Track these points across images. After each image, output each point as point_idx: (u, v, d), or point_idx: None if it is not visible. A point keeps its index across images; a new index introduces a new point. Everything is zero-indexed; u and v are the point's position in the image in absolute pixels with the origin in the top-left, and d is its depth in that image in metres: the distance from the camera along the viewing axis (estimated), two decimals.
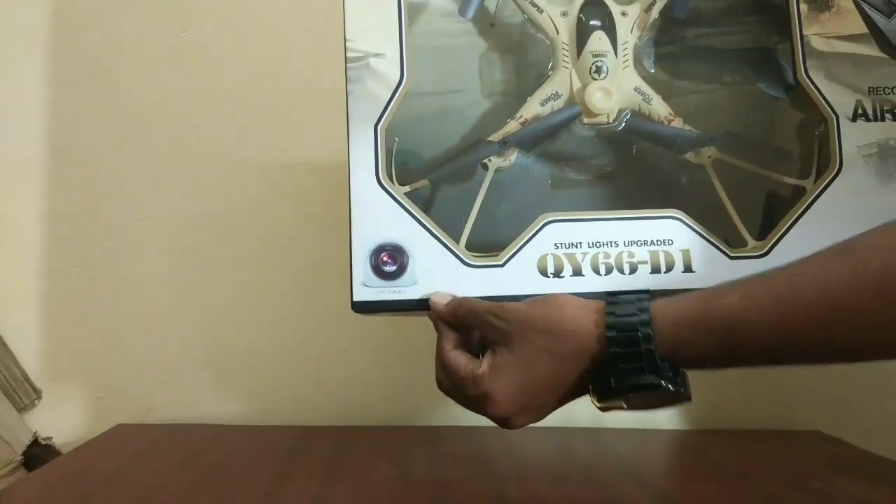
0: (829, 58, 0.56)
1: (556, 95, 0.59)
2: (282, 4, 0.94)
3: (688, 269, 0.54)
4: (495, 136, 0.59)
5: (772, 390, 0.91)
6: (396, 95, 0.56)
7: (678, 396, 0.45)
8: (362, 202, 0.55)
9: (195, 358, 0.93)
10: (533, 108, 0.59)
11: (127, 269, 0.93)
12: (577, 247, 0.55)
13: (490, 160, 0.59)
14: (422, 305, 0.55)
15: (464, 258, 0.55)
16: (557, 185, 0.62)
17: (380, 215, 0.55)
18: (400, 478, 0.70)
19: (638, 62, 0.60)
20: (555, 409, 0.49)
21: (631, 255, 0.55)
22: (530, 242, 0.55)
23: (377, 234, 0.55)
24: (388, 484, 0.68)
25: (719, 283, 0.44)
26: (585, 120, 0.59)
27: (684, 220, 0.55)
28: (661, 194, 0.60)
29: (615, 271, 0.54)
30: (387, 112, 0.56)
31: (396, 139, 0.57)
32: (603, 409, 0.47)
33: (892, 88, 0.56)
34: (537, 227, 0.55)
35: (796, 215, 0.55)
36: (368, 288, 0.55)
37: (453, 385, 0.51)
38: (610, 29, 0.59)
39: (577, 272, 0.54)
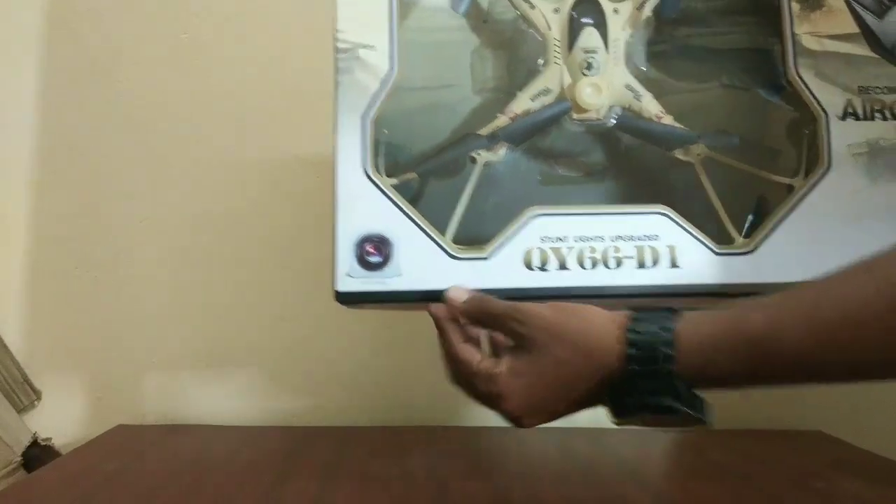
0: (820, 56, 0.56)
1: (547, 91, 0.59)
2: (282, 4, 0.95)
3: (673, 264, 0.54)
4: (484, 131, 0.59)
5: (773, 391, 0.90)
6: (385, 87, 0.56)
7: (695, 420, 0.44)
8: (348, 192, 0.55)
9: (195, 358, 0.93)
10: (523, 103, 0.59)
11: (127, 269, 0.93)
12: (563, 241, 0.55)
13: (479, 154, 0.59)
14: (407, 297, 0.54)
15: (449, 250, 0.55)
16: (547, 181, 0.62)
17: (365, 206, 0.55)
18: (400, 478, 0.70)
19: (629, 59, 0.60)
20: (568, 415, 0.48)
21: (617, 249, 0.54)
22: (517, 236, 0.55)
23: (362, 224, 0.55)
24: (388, 484, 0.68)
25: (743, 301, 0.44)
26: (575, 116, 0.59)
27: (671, 216, 0.55)
28: (649, 191, 0.59)
29: (601, 265, 0.54)
30: (375, 103, 0.56)
31: (385, 131, 0.57)
32: (618, 424, 0.46)
33: (883, 88, 0.56)
34: (524, 221, 0.55)
35: (783, 213, 0.54)
36: (353, 279, 0.54)
37: (464, 378, 0.50)
38: (601, 25, 0.59)
39: (562, 266, 0.54)
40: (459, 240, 0.56)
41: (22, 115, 0.94)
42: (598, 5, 0.59)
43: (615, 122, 0.59)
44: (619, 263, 0.54)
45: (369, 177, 0.55)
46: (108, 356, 0.93)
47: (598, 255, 0.54)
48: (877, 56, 0.56)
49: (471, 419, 0.90)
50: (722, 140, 0.59)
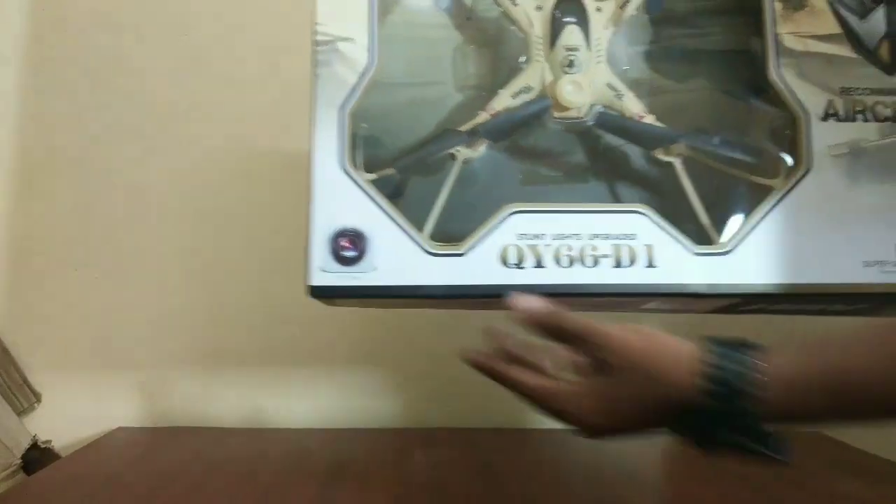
0: (802, 56, 0.56)
1: (528, 89, 0.59)
2: (282, 5, 0.94)
3: (650, 264, 0.53)
4: (465, 127, 0.59)
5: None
6: (364, 80, 0.56)
7: (773, 460, 0.43)
8: (324, 186, 0.55)
9: (195, 359, 0.93)
10: (504, 100, 0.59)
11: (127, 271, 0.93)
12: (540, 238, 0.54)
13: (458, 151, 0.59)
14: (381, 292, 0.54)
15: (425, 246, 0.54)
16: (528, 180, 0.61)
17: (341, 200, 0.55)
18: (400, 479, 0.70)
19: (612, 58, 0.59)
20: (634, 436, 0.48)
21: (594, 248, 0.54)
22: (493, 232, 0.54)
23: (338, 219, 0.54)
24: (387, 486, 0.68)
25: (813, 337, 0.43)
26: (556, 114, 0.58)
27: (649, 215, 0.54)
28: (629, 190, 0.59)
29: (577, 263, 0.53)
30: (353, 96, 0.56)
31: (364, 125, 0.57)
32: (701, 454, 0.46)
33: (864, 89, 0.55)
34: (501, 217, 0.54)
35: (762, 214, 0.54)
36: (327, 273, 0.54)
37: (538, 401, 0.49)
38: (584, 24, 0.59)
39: (539, 263, 0.53)
40: (438, 237, 0.56)
41: (22, 114, 0.94)
42: (581, 4, 0.59)
43: (596, 120, 0.59)
44: (595, 262, 0.53)
45: (346, 171, 0.55)
46: (108, 358, 0.92)
47: (574, 253, 0.54)
48: (859, 57, 0.56)
49: (471, 420, 0.90)
50: (702, 139, 0.58)
